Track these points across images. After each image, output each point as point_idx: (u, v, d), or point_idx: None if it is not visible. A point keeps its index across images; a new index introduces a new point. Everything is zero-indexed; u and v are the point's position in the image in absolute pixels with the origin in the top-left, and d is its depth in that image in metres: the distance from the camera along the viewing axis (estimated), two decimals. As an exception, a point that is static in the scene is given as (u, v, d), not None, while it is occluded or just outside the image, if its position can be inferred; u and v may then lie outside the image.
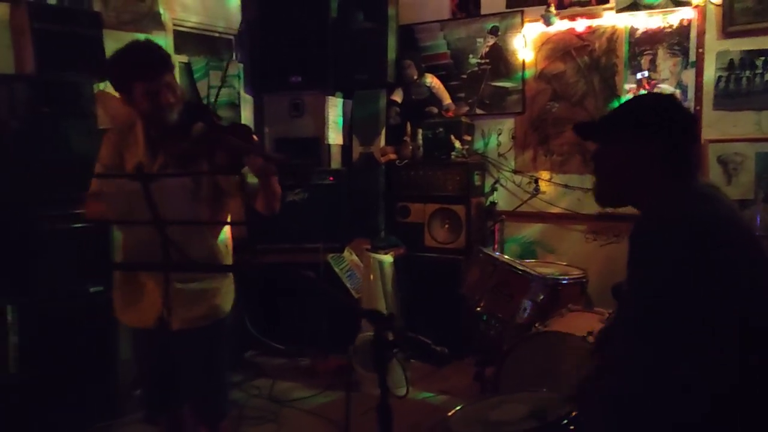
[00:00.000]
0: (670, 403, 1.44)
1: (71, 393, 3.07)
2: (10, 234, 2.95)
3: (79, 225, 3.11)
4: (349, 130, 4.78)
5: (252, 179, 2.04)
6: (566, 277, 3.41)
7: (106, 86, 3.47)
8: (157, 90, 2.04)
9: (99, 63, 3.29)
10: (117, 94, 3.41)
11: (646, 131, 1.58)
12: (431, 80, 4.61)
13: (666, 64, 4.01)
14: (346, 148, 4.78)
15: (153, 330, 2.16)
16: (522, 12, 4.44)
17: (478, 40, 4.62)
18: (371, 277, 3.90)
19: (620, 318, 1.62)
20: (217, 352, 2.30)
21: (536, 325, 3.03)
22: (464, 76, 4.69)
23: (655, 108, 1.64)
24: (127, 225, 2.04)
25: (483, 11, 4.61)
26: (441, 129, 4.44)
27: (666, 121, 1.58)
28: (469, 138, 4.53)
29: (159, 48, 2.17)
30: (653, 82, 4.05)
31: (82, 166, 2.96)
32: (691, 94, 3.92)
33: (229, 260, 2.35)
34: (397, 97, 4.68)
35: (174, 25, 4.23)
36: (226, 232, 2.32)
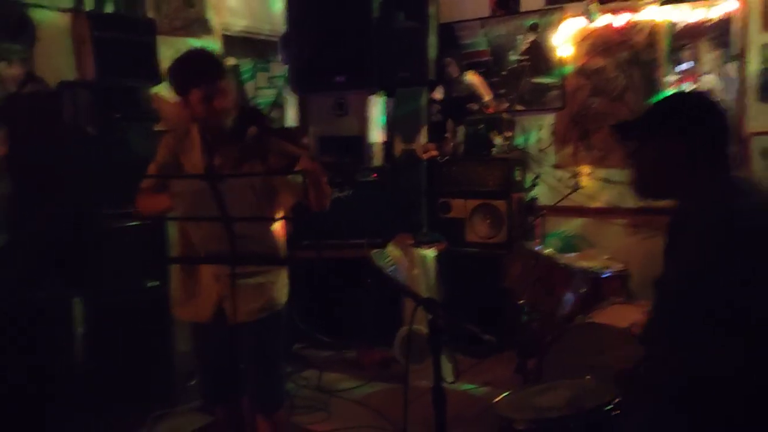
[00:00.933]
0: (710, 392, 1.49)
1: (131, 382, 3.22)
2: (77, 231, 3.12)
3: (138, 223, 3.28)
4: (391, 127, 4.87)
5: (303, 179, 2.15)
6: (608, 271, 3.45)
7: (160, 90, 3.65)
8: (212, 96, 2.17)
9: (153, 68, 3.46)
10: (170, 98, 3.61)
11: (680, 129, 1.65)
12: (472, 77, 4.67)
13: (708, 57, 3.99)
14: (388, 145, 4.87)
15: (212, 323, 2.29)
16: (562, 8, 4.46)
17: (518, 36, 4.66)
18: (414, 271, 3.99)
19: (658, 307, 1.67)
20: (274, 343, 2.42)
21: (578, 317, 3.08)
22: (504, 73, 4.74)
23: (688, 106, 1.71)
24: (193, 221, 2.17)
25: (523, 8, 4.64)
26: (482, 125, 4.50)
27: (699, 119, 1.65)
28: (509, 134, 4.58)
29: (214, 55, 2.31)
30: (695, 74, 4.04)
31: (140, 166, 3.14)
32: (733, 87, 3.90)
33: (281, 255, 2.47)
34: (438, 94, 4.75)
35: (222, 29, 4.39)
36: (277, 228, 2.44)
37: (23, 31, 3.27)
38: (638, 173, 1.75)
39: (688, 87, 4.04)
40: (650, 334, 1.73)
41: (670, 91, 4.05)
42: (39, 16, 3.37)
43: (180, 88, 2.25)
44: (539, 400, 2.03)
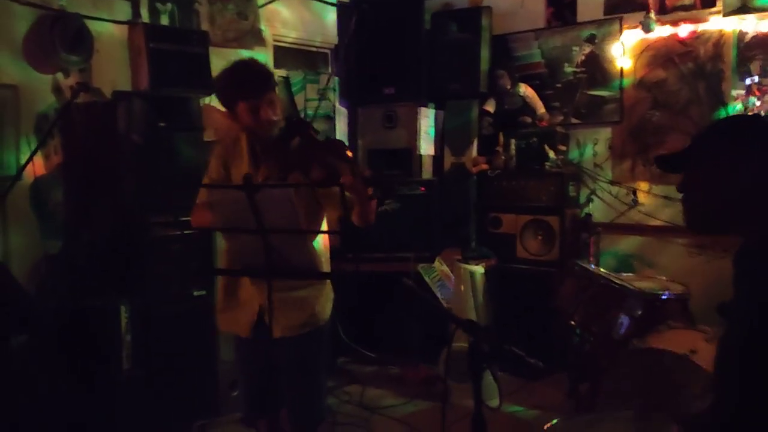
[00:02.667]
0: None
1: (175, 390, 3.24)
2: (127, 239, 3.17)
3: (187, 232, 3.30)
4: (441, 140, 4.80)
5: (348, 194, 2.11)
6: (666, 292, 3.27)
7: (211, 101, 3.69)
8: (259, 107, 2.15)
9: (206, 79, 3.50)
10: (221, 108, 3.64)
11: (731, 153, 1.50)
12: (525, 90, 4.56)
13: (778, 69, 3.79)
14: (437, 158, 4.81)
15: (253, 336, 2.26)
16: (621, 18, 4.32)
17: (574, 48, 4.54)
18: (462, 288, 3.90)
19: (726, 345, 1.54)
20: (316, 358, 2.37)
21: (633, 341, 2.92)
22: (559, 85, 4.61)
23: (737, 129, 1.56)
24: (232, 232, 2.15)
25: (579, 19, 4.52)
26: (534, 139, 4.39)
27: (750, 142, 1.50)
28: (563, 148, 4.45)
29: (263, 67, 2.29)
30: (764, 88, 3.83)
31: (190, 176, 3.19)
32: (806, 100, 3.69)
33: (326, 268, 2.42)
34: (490, 107, 4.66)
35: (274, 41, 4.43)
36: (322, 241, 2.39)
37: (81, 42, 3.36)
38: (690, 206, 1.60)
39: (755, 101, 3.85)
40: (719, 373, 1.59)
41: (736, 105, 3.87)
42: (97, 28, 3.46)
43: (227, 100, 2.25)
44: (592, 431, 1.91)
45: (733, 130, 1.59)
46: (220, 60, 3.74)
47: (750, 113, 3.77)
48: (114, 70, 3.49)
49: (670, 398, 2.34)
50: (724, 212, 1.52)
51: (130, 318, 3.19)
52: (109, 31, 3.52)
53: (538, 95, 4.57)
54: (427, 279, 4.17)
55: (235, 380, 3.42)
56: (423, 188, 4.46)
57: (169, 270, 3.30)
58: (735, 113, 3.78)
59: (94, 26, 3.42)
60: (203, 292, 3.44)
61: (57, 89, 3.35)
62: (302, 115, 4.48)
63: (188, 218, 3.04)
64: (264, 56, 4.15)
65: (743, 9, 3.85)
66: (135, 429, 3.09)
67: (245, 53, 4.05)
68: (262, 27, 4.26)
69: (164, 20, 3.75)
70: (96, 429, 3.02)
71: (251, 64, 2.33)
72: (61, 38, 3.24)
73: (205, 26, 3.92)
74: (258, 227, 1.57)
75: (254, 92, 2.17)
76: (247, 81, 2.20)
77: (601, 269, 3.60)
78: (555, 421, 2.02)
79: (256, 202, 1.54)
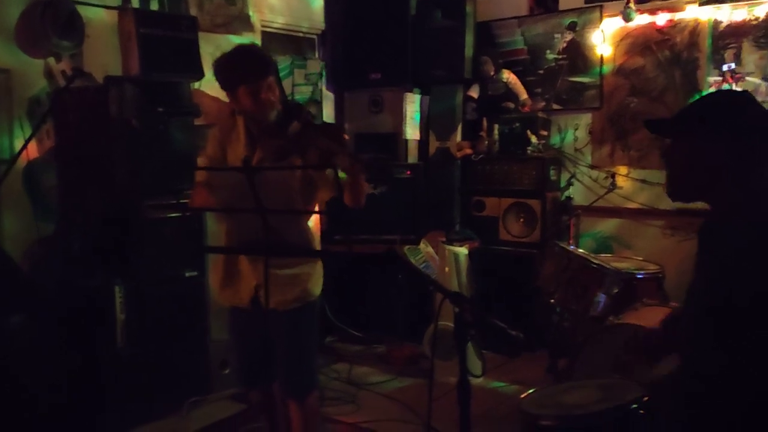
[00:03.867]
0: (741, 400, 1.47)
1: (167, 368, 3.31)
2: (120, 221, 3.23)
3: (179, 214, 3.38)
4: (426, 125, 4.90)
5: (341, 175, 2.21)
6: (642, 272, 3.42)
7: (201, 85, 3.75)
8: (259, 91, 2.23)
9: (196, 64, 3.56)
10: (210, 92, 3.69)
11: (719, 128, 1.57)
12: (508, 76, 4.66)
13: (751, 57, 3.92)
14: (423, 143, 4.91)
15: (248, 309, 2.37)
16: (601, 7, 4.42)
17: (556, 35, 4.64)
18: (446, 269, 4.01)
19: (690, 315, 1.65)
20: (307, 332, 2.48)
21: (610, 318, 3.06)
22: (541, 72, 4.72)
23: (729, 105, 1.62)
24: (232, 213, 2.24)
25: (561, 7, 4.62)
26: (517, 124, 4.50)
27: (739, 118, 1.58)
28: (545, 133, 4.57)
29: (262, 52, 2.38)
30: (738, 75, 3.97)
31: (181, 160, 3.27)
32: (777, 88, 3.83)
33: (315, 248, 2.52)
34: (474, 92, 4.76)
35: (262, 26, 4.47)
36: (312, 222, 2.49)
37: (73, 28, 3.39)
38: (671, 173, 1.66)
39: (729, 87, 3.98)
40: (682, 341, 1.70)
41: (709, 91, 4.00)
42: (88, 13, 3.49)
43: (227, 84, 2.31)
44: (566, 397, 2.04)
45: (721, 104, 1.66)
46: (208, 45, 3.81)
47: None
48: (105, 55, 3.53)
49: (640, 370, 2.47)
50: (701, 180, 1.59)
51: (124, 298, 3.26)
52: (99, 17, 3.56)
53: (521, 81, 4.67)
54: (412, 260, 4.28)
55: (226, 359, 3.54)
56: (409, 172, 4.56)
57: (161, 251, 3.37)
58: (736, 90, 3.89)
59: (85, 12, 3.45)
60: (195, 273, 3.52)
61: (49, 74, 3.39)
62: (293, 100, 4.54)
63: (180, 201, 3.13)
64: (252, 41, 4.18)
65: (718, -1, 3.97)
66: (129, 405, 3.17)
67: (233, 38, 4.11)
68: (250, 12, 4.31)
69: (154, 5, 3.78)
70: (91, 405, 3.10)
71: (252, 49, 2.41)
72: (53, 23, 3.27)
73: (193, 12, 3.95)
74: (257, 207, 1.66)
75: (255, 76, 2.25)
76: (248, 65, 2.27)
77: (580, 250, 3.73)
78: (531, 390, 2.15)
79: (255, 183, 1.63)
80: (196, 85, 3.73)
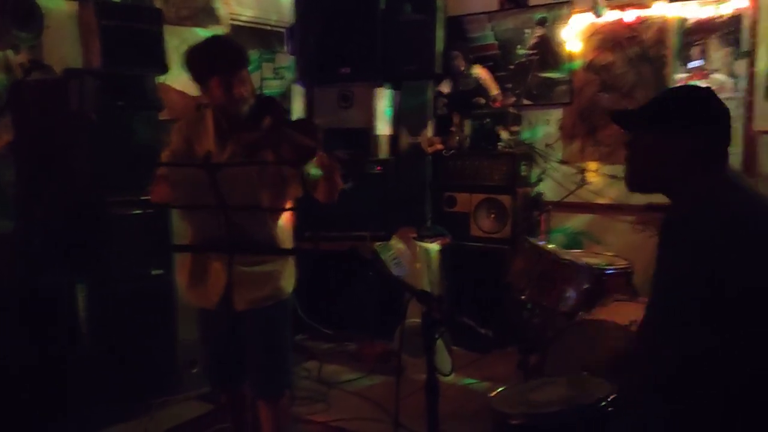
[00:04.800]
0: (693, 395, 1.49)
1: (133, 368, 3.24)
2: (82, 218, 3.14)
3: (143, 211, 3.30)
4: (397, 120, 4.86)
5: (316, 171, 2.16)
6: (612, 267, 3.43)
7: (166, 79, 3.66)
8: (231, 83, 2.17)
9: (160, 57, 3.47)
10: (175, 86, 3.61)
11: (680, 122, 1.60)
12: (479, 71, 4.65)
13: (717, 54, 3.96)
14: (393, 138, 4.87)
15: (218, 310, 2.31)
16: (570, 3, 4.43)
17: (526, 31, 4.64)
18: (417, 265, 3.99)
19: (649, 310, 1.66)
20: (279, 331, 2.43)
21: (580, 313, 3.07)
22: (512, 67, 4.72)
23: (691, 100, 1.65)
24: (193, 210, 2.18)
25: (531, 2, 4.61)
26: (488, 120, 4.49)
27: (701, 113, 1.61)
28: (516, 128, 4.56)
29: (236, 44, 2.32)
30: (704, 72, 4.01)
31: (146, 154, 3.19)
32: (742, 84, 3.87)
33: (288, 245, 2.47)
34: (445, 88, 4.74)
35: (229, 19, 4.39)
36: (285, 218, 2.44)
37: (31, 19, 3.28)
38: (632, 164, 1.70)
39: (696, 84, 4.02)
40: (643, 332, 1.72)
41: (690, 84, 4.02)
42: (47, 4, 3.38)
43: (199, 75, 2.24)
44: (535, 395, 2.03)
45: (684, 98, 1.68)
46: (174, 38, 3.72)
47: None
48: (65, 47, 3.42)
49: (610, 365, 2.47)
50: (662, 173, 1.62)
51: (86, 297, 3.18)
52: (59, 7, 3.44)
53: (492, 77, 4.66)
54: (383, 257, 4.24)
55: (194, 358, 3.47)
56: (379, 168, 4.52)
57: (126, 249, 3.29)
58: (698, 85, 3.94)
59: (44, 2, 3.34)
60: (161, 271, 3.45)
61: (7, 66, 3.27)
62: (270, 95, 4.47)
63: (145, 197, 3.05)
64: (220, 34, 4.12)
65: (685, -4, 4.01)
66: (93, 407, 3.10)
67: (199, 31, 4.02)
68: (217, 5, 4.22)
69: (116, -4, 3.68)
70: (53, 408, 3.02)
71: (225, 41, 2.36)
72: (12, 14, 3.16)
73: (158, 4, 3.85)
74: (218, 204, 1.61)
75: (228, 68, 2.19)
76: (221, 56, 2.21)
77: (551, 246, 3.73)
78: (501, 388, 2.14)
79: (217, 179, 1.58)
80: (161, 78, 3.65)
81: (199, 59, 2.23)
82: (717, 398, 1.47)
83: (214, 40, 2.31)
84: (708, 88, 1.71)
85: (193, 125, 2.35)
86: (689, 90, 2.12)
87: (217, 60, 2.19)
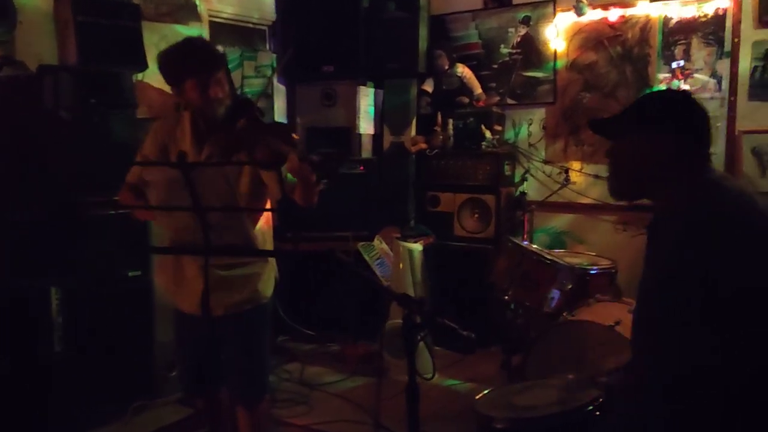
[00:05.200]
0: (689, 391, 1.47)
1: (110, 373, 3.18)
2: (56, 219, 3.07)
3: (120, 211, 3.22)
4: (380, 119, 4.82)
5: (291, 176, 2.12)
6: (595, 267, 3.41)
7: (144, 77, 3.59)
8: (207, 86, 2.13)
9: (138, 54, 3.40)
10: (154, 84, 3.54)
11: (660, 125, 1.60)
12: (462, 70, 4.63)
13: (700, 54, 3.96)
14: (377, 137, 4.84)
15: (196, 313, 2.25)
16: (554, 1, 4.42)
17: (510, 30, 4.62)
18: (400, 265, 3.96)
19: (641, 312, 1.65)
20: (258, 335, 2.39)
21: (563, 314, 3.05)
22: (495, 66, 4.69)
23: (669, 103, 1.66)
24: (167, 211, 2.13)
25: (515, 1, 4.60)
26: (471, 119, 4.46)
27: (680, 115, 1.61)
28: (499, 128, 4.55)
29: (211, 46, 2.29)
30: (687, 72, 4.02)
31: (123, 154, 3.12)
32: (725, 84, 3.88)
33: (269, 246, 2.42)
34: (428, 87, 4.71)
35: (210, 16, 4.32)
36: (264, 220, 2.39)
37: (4, 14, 3.20)
38: (614, 172, 1.71)
39: (679, 84, 4.03)
40: (637, 334, 1.70)
41: (659, 88, 4.04)
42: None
43: (173, 76, 2.20)
44: (520, 398, 2.01)
45: (661, 104, 1.69)
46: (153, 35, 3.66)
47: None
48: (39, 43, 3.34)
49: (594, 367, 2.46)
50: (643, 179, 1.62)
51: (61, 299, 3.10)
52: (33, 3, 3.36)
53: (475, 76, 4.64)
54: (366, 257, 4.21)
55: (173, 361, 3.40)
56: (362, 167, 4.47)
57: (103, 250, 3.22)
58: (676, 89, 3.95)
59: (18, -3, 3.27)
60: (138, 272, 3.38)
61: (-23, 62, 3.19)
62: (243, 94, 4.41)
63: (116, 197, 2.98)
64: (199, 32, 4.05)
65: (668, -5, 4.01)
66: (69, 412, 3.03)
67: (179, 28, 3.95)
68: (197, 1, 4.15)
69: (93, -8, 3.60)
70: (27, 413, 2.95)
71: (201, 42, 2.31)
72: (-18, 9, 3.08)
73: (136, 0, 3.79)
74: (193, 205, 1.56)
75: (203, 70, 2.14)
76: (196, 59, 2.16)
77: (534, 245, 3.72)
78: (486, 391, 2.11)
79: (192, 180, 1.53)
80: (140, 76, 3.58)
81: (173, 61, 2.18)
82: (717, 398, 1.46)
83: (188, 41, 2.25)
84: (684, 91, 1.72)
85: (170, 127, 2.30)
86: (666, 93, 2.17)
87: (192, 63, 2.15)
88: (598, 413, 1.80)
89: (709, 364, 1.46)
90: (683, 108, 1.63)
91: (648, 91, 3.79)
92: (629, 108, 1.71)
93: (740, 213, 1.51)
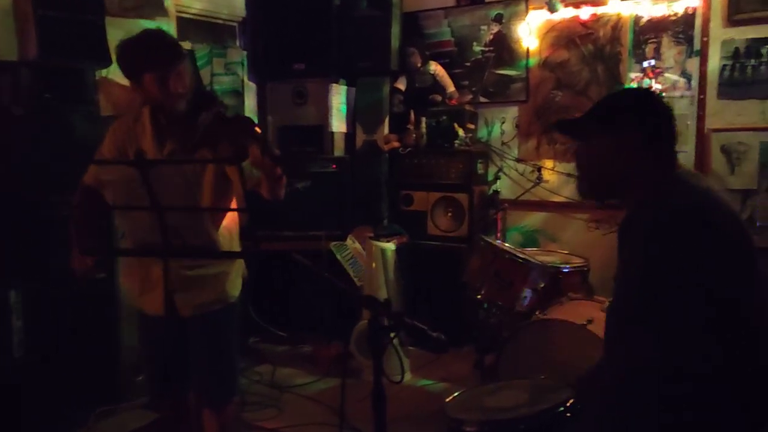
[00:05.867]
0: (668, 393, 1.46)
1: (74, 377, 3.10)
2: (14, 220, 2.97)
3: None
4: (352, 117, 4.77)
5: (255, 169, 2.06)
6: (567, 266, 3.41)
7: (108, 73, 3.49)
8: (167, 79, 2.07)
9: (102, 50, 3.31)
10: (120, 81, 3.44)
11: (625, 124, 1.61)
12: (435, 68, 4.59)
13: (670, 52, 3.98)
14: (349, 135, 4.78)
15: (162, 315, 2.19)
16: (526, -1, 4.42)
17: (482, 27, 4.60)
18: (373, 265, 3.91)
19: (618, 309, 1.64)
20: (226, 335, 2.34)
21: (536, 312, 3.03)
22: (468, 64, 4.67)
23: (633, 101, 1.67)
24: (125, 210, 2.06)
25: (487, -2, 4.59)
26: (444, 117, 4.43)
27: (644, 115, 1.61)
28: (472, 126, 4.53)
29: (171, 38, 2.21)
30: (657, 70, 4.03)
31: (85, 152, 3.01)
32: (695, 82, 3.90)
33: (232, 247, 2.36)
34: (401, 84, 4.67)
35: (177, 11, 4.22)
36: (230, 218, 2.33)
37: (-40, 7, 3.09)
38: (582, 172, 1.71)
39: (650, 83, 4.04)
40: (606, 335, 1.70)
41: (630, 86, 4.05)
42: (-22, -8, 3.19)
43: (131, 70, 2.13)
44: (491, 400, 1.98)
45: (626, 103, 1.69)
46: (117, 30, 3.53)
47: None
48: (-2, 38, 3.24)
49: (567, 366, 2.44)
50: (611, 179, 1.62)
51: (21, 303, 3.00)
52: (-8, -4, 3.26)
53: (448, 74, 4.61)
54: (339, 257, 4.16)
55: (139, 365, 3.32)
56: (335, 166, 4.42)
57: (63, 252, 3.11)
58: (639, 87, 3.96)
59: (-26, -10, 3.16)
60: (103, 275, 3.28)
61: (-69, 57, 3.07)
62: (209, 90, 4.32)
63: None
64: (166, 27, 3.95)
65: (639, -7, 4.02)
66: (30, 418, 2.94)
67: (145, 23, 3.86)
68: (164, -4, 4.06)
69: (54, -14, 3.50)
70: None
71: (159, 34, 2.22)
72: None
73: (100, -6, 3.69)
74: (151, 205, 1.50)
75: (162, 63, 2.07)
76: (154, 51, 2.09)
77: (507, 244, 3.70)
78: (457, 393, 2.07)
79: (150, 179, 1.47)
80: (105, 72, 3.48)
81: (131, 54, 2.11)
82: (693, 395, 1.45)
83: (147, 34, 2.18)
84: (647, 89, 1.73)
85: (130, 125, 2.24)
86: (631, 92, 2.19)
87: (151, 56, 2.08)
88: (569, 415, 1.78)
89: (682, 362, 1.45)
90: (646, 107, 1.64)
91: (611, 91, 3.82)
92: (593, 109, 1.71)
93: (705, 210, 1.51)
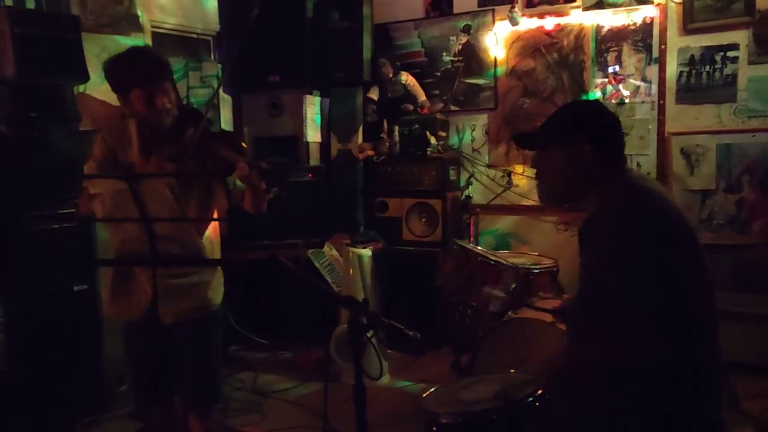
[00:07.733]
0: (631, 388, 1.57)
1: (58, 389, 3.13)
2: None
3: (64, 225, 3.19)
4: (327, 127, 4.87)
5: (240, 183, 2.15)
6: (538, 267, 3.53)
7: (86, 89, 3.55)
8: (153, 96, 2.14)
9: (79, 66, 3.36)
10: (96, 96, 3.50)
11: (576, 134, 1.73)
12: (406, 78, 4.72)
13: (631, 60, 4.16)
14: (324, 145, 4.88)
15: (145, 323, 2.26)
16: (493, 11, 4.56)
17: (451, 38, 4.74)
18: (351, 271, 4.00)
19: (581, 308, 1.74)
20: (209, 342, 2.39)
21: (509, 312, 3.15)
22: (438, 74, 4.81)
23: (580, 116, 1.80)
24: (116, 222, 2.13)
25: (456, 10, 4.73)
26: (417, 126, 4.55)
27: (590, 127, 1.74)
28: (444, 134, 4.66)
29: (157, 55, 2.28)
30: (620, 77, 4.21)
31: (64, 167, 3.08)
32: (654, 88, 4.08)
33: (215, 256, 2.44)
34: (374, 95, 4.78)
35: (152, 26, 4.30)
36: (212, 228, 2.41)
37: (-64, 26, 3.12)
38: (541, 180, 1.82)
39: (614, 89, 4.21)
40: (573, 336, 1.79)
41: (595, 93, 4.22)
42: (-46, 10, 3.22)
43: (120, 86, 2.20)
44: (465, 394, 2.08)
45: (577, 115, 1.83)
46: (93, 46, 3.62)
47: (606, 99, 4.16)
48: (-25, 56, 3.27)
49: (539, 361, 2.55)
50: (567, 186, 1.74)
51: (3, 317, 3.04)
52: (-33, 15, 3.29)
53: (419, 83, 4.74)
54: (317, 264, 4.25)
55: (122, 375, 3.37)
56: (310, 175, 4.51)
57: (47, 264, 3.16)
58: (587, 99, 4.13)
59: (-50, 9, 3.19)
60: (84, 286, 3.33)
61: None
62: (185, 103, 4.39)
63: (65, 210, 2.96)
64: (142, 42, 4.02)
65: (599, 4, 4.19)
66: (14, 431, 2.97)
67: (121, 39, 3.92)
68: (138, 12, 4.12)
69: (30, 3, 3.55)
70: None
71: (147, 52, 2.31)
72: None
73: (75, 10, 3.73)
74: (140, 216, 1.58)
75: (150, 80, 2.15)
76: (142, 68, 2.17)
77: (479, 248, 3.82)
78: (433, 389, 2.18)
79: (139, 191, 1.55)
80: (81, 88, 3.54)
81: (120, 70, 2.18)
82: (651, 393, 1.55)
83: (135, 51, 2.25)
84: (597, 101, 1.86)
85: (115, 136, 2.29)
86: (580, 105, 2.34)
87: (139, 71, 2.15)
88: (537, 404, 1.89)
89: (640, 355, 1.55)
90: (593, 118, 1.76)
91: (573, 100, 3.99)
92: (545, 122, 1.83)
93: (657, 211, 1.62)
